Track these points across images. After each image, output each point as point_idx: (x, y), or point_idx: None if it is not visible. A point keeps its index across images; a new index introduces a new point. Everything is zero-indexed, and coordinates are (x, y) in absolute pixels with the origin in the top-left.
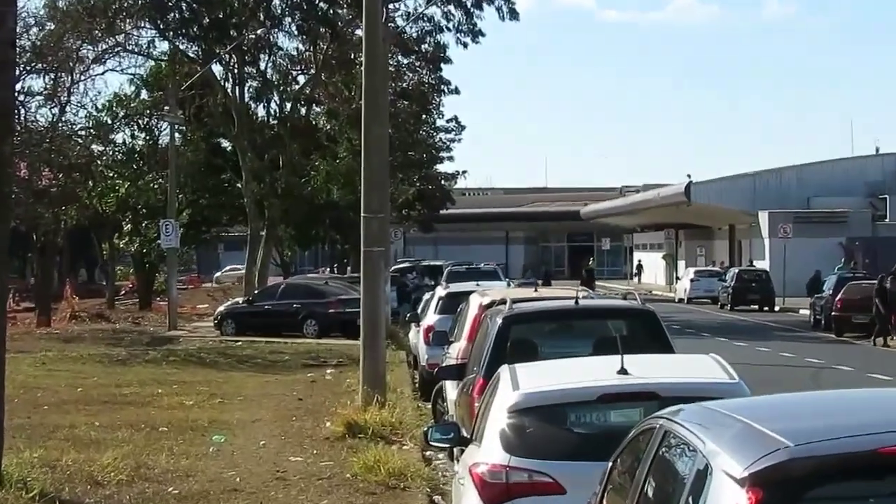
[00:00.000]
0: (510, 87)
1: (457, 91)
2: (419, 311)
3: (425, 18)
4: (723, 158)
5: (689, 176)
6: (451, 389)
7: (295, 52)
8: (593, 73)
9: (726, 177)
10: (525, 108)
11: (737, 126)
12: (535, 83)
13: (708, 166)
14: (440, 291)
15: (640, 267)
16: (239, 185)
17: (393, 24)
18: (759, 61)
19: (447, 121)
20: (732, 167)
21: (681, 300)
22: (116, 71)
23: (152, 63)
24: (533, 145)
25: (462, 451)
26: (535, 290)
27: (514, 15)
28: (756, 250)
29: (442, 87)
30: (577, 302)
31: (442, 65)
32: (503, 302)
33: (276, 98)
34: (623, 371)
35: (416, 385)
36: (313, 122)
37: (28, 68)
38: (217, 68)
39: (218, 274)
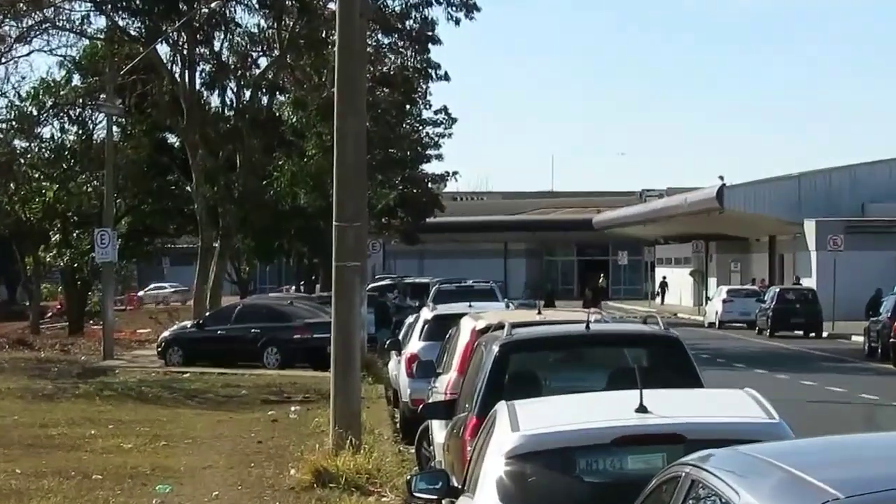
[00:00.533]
0: (510, 73)
1: (447, 77)
2: (401, 336)
3: None
4: (760, 158)
5: (721, 178)
6: (438, 430)
7: (256, 30)
8: (609, 58)
9: (766, 179)
10: (528, 98)
11: (776, 121)
12: (540, 69)
13: (743, 167)
14: (426, 314)
15: (663, 285)
16: (188, 187)
17: None
18: (802, 46)
19: (435, 112)
20: (771, 169)
21: (711, 324)
22: (44, 52)
23: (86, 42)
24: (537, 142)
25: None
26: (539, 313)
27: None
28: (801, 265)
29: (429, 71)
30: (588, 327)
31: (430, 45)
32: (500, 326)
33: (232, 85)
34: (642, 409)
35: (398, 425)
36: (277, 114)
37: None
38: (163, 49)
39: (141, 294)
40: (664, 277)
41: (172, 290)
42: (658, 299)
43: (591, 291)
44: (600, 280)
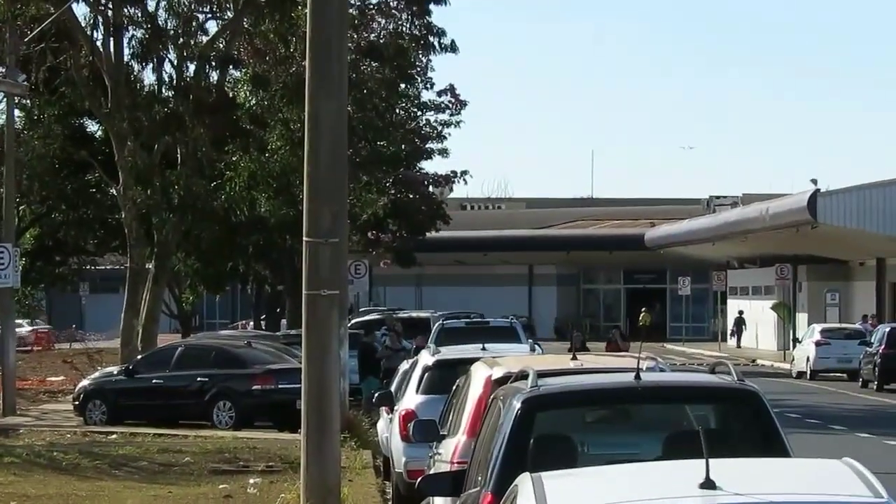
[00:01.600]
0: (538, 43)
1: (453, 47)
2: (393, 388)
3: None
4: (863, 159)
5: (814, 182)
6: None
7: None
8: (669, 28)
9: (872, 183)
10: (560, 76)
11: (884, 110)
12: (578, 38)
13: (841, 170)
14: (426, 359)
15: (740, 322)
16: (113, 190)
17: None
18: None
19: (439, 93)
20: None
21: (801, 374)
22: None
23: None
24: (572, 135)
25: None
26: (574, 358)
27: None
28: None
29: (431, 39)
30: (638, 376)
31: (431, 5)
32: (524, 376)
33: (172, 56)
34: (709, 484)
35: (390, 503)
36: (231, 95)
37: None
38: (81, 9)
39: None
40: (741, 312)
41: (31, 329)
42: (733, 340)
43: (618, 331)
44: (641, 316)
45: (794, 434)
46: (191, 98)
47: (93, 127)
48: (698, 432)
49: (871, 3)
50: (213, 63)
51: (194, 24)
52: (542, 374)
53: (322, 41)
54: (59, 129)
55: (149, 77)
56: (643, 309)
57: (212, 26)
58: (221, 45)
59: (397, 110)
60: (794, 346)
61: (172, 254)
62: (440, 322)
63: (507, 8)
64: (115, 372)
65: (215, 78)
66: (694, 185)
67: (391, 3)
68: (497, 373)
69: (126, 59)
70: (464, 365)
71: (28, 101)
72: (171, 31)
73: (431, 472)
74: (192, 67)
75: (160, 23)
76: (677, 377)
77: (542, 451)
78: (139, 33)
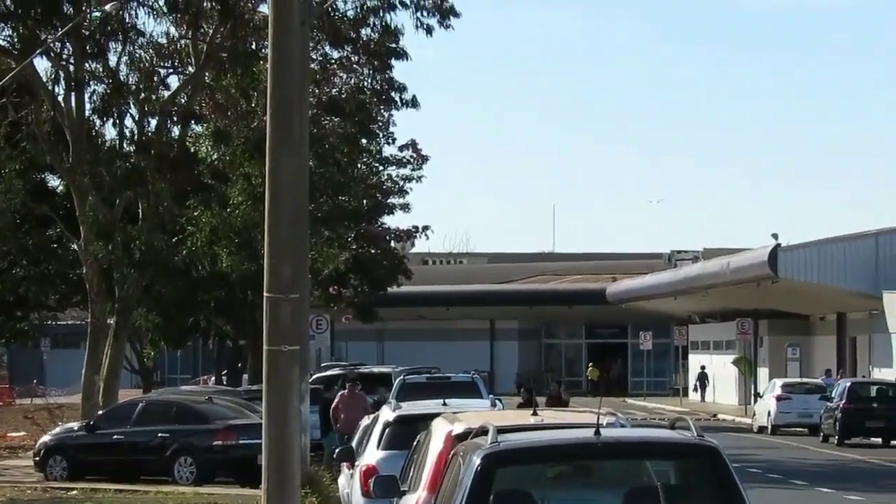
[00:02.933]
0: (499, 101)
1: (415, 103)
2: (354, 444)
3: None
4: (824, 213)
5: (775, 237)
6: None
7: (164, 40)
8: (628, 84)
9: (833, 238)
10: (522, 133)
11: (839, 168)
12: (540, 95)
13: (801, 225)
14: (387, 414)
15: (702, 377)
16: (75, 245)
17: None
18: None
19: (400, 148)
20: (838, 226)
21: (762, 429)
22: None
23: None
24: (533, 190)
25: None
26: (534, 414)
27: None
28: (879, 352)
29: (392, 95)
30: (598, 432)
31: (393, 61)
32: (484, 432)
33: (133, 111)
34: None
35: None
36: (192, 150)
37: None
38: (42, 64)
39: None
40: (703, 367)
41: None
42: (695, 395)
43: (557, 385)
44: (589, 371)
45: (755, 489)
46: (152, 153)
47: (54, 182)
48: (657, 488)
49: (832, 60)
50: (175, 118)
51: (156, 78)
52: (502, 430)
53: (283, 98)
54: (21, 183)
55: (110, 132)
56: (590, 364)
57: (173, 81)
58: (183, 100)
59: (359, 165)
60: (756, 401)
61: (134, 309)
62: (401, 377)
63: (466, 62)
64: (76, 427)
65: (177, 133)
66: (655, 239)
67: (352, 58)
68: (457, 428)
69: (87, 113)
70: (425, 420)
71: None
72: (133, 86)
73: None
74: (153, 122)
75: (121, 77)
76: (637, 433)
77: None
78: (100, 88)
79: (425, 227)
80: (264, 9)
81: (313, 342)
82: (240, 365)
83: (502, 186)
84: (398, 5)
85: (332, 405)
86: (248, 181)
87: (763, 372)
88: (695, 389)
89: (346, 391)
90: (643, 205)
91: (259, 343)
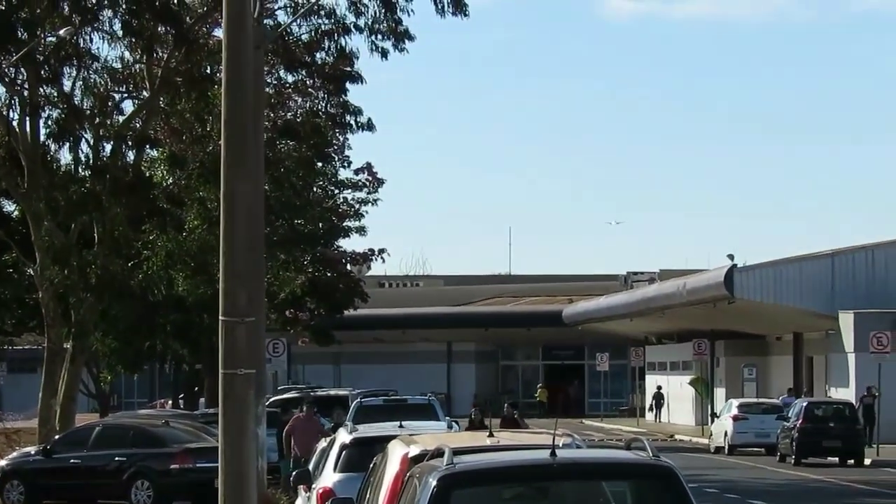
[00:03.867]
0: (455, 123)
1: (370, 126)
2: (311, 467)
3: (322, 11)
4: (779, 234)
5: (731, 257)
6: None
7: (119, 65)
8: (582, 101)
9: (789, 258)
10: (478, 155)
11: (794, 189)
12: (495, 118)
13: (757, 246)
14: (343, 437)
15: (658, 397)
16: (30, 270)
17: (271, 21)
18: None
19: (356, 171)
20: (794, 247)
21: (719, 449)
22: None
23: None
24: (489, 213)
25: None
26: (490, 435)
27: (460, 8)
28: (835, 372)
29: (347, 118)
30: (554, 453)
31: (348, 84)
32: (440, 454)
33: (88, 136)
34: None
35: None
36: (147, 174)
37: None
38: None
39: None
40: (659, 387)
41: None
42: (652, 415)
43: (511, 408)
44: (538, 392)
45: None
46: (107, 177)
47: (9, 207)
48: None
49: (787, 79)
50: (130, 142)
51: (110, 103)
52: (458, 452)
53: (237, 123)
54: None
55: (65, 157)
56: (539, 385)
57: (128, 106)
58: (138, 125)
59: (314, 188)
60: (712, 421)
61: (90, 333)
62: (358, 400)
63: (422, 85)
64: (33, 452)
65: (132, 157)
66: (611, 261)
67: (307, 82)
68: (413, 450)
69: (42, 138)
70: (381, 443)
71: None
72: (88, 111)
73: None
74: (108, 147)
75: (76, 102)
76: (593, 454)
77: None
78: (55, 113)
79: (381, 250)
80: (219, 33)
81: (270, 365)
82: (196, 388)
83: (458, 209)
84: (353, 29)
85: (286, 428)
86: (203, 205)
87: (720, 392)
88: (650, 409)
89: (302, 414)
90: (599, 227)
91: (215, 366)
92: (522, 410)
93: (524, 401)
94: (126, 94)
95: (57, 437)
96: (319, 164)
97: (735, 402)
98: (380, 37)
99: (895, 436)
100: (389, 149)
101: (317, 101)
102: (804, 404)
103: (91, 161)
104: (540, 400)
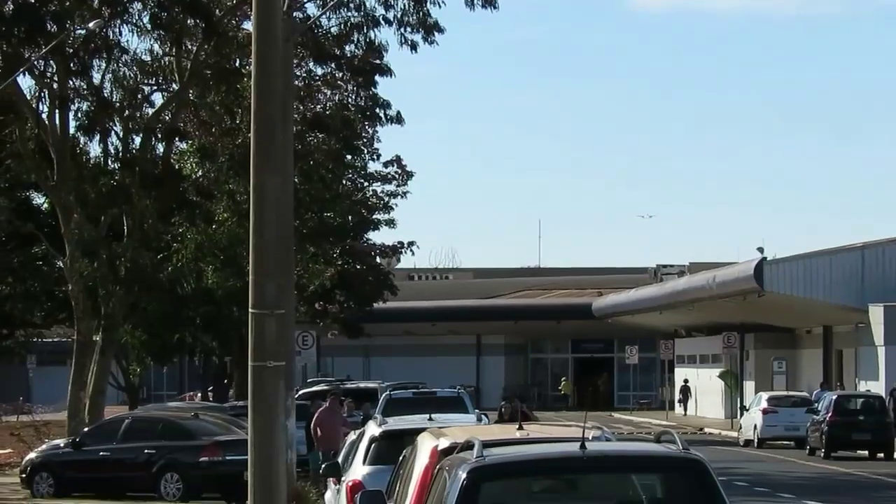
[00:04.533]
0: (484, 116)
1: (399, 119)
2: (340, 459)
3: (351, 4)
4: (810, 227)
5: (760, 250)
6: None
7: (148, 58)
8: (611, 94)
9: (819, 251)
10: (508, 147)
11: (825, 182)
12: (525, 110)
13: (788, 239)
14: (373, 430)
15: (685, 390)
16: (60, 263)
17: (300, 14)
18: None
19: (385, 164)
20: (824, 240)
21: (748, 442)
22: None
23: None
24: (519, 205)
25: None
26: (520, 428)
27: (489, 0)
28: (866, 365)
29: (377, 111)
30: (583, 446)
31: (377, 77)
32: (469, 446)
33: (118, 128)
34: None
35: None
36: (177, 167)
37: None
38: (26, 82)
39: None
40: (686, 381)
41: None
42: (680, 407)
43: (518, 400)
44: (562, 384)
45: (742, 502)
46: (137, 170)
47: (39, 199)
48: (643, 501)
49: (818, 71)
50: (159, 135)
51: (140, 96)
52: (487, 445)
53: (266, 116)
54: (5, 201)
55: (95, 149)
56: (563, 378)
57: (157, 98)
58: (167, 117)
59: (344, 181)
60: (742, 415)
61: (119, 326)
62: (387, 393)
63: (450, 78)
64: (62, 444)
65: (161, 150)
66: (641, 254)
67: (337, 75)
68: (443, 443)
69: (72, 131)
70: (410, 435)
71: None
72: (117, 104)
73: None
74: (137, 139)
75: (105, 95)
76: (623, 447)
77: None
78: (85, 106)
79: (411, 243)
80: (248, 26)
81: (299, 358)
82: (226, 381)
83: (488, 202)
84: (382, 21)
85: (314, 420)
86: (232, 198)
87: (749, 385)
88: (679, 402)
89: (326, 404)
90: (628, 219)
91: (245, 359)
92: (549, 403)
93: (551, 393)
94: (155, 87)
95: (86, 429)
96: (349, 157)
97: (764, 396)
98: (409, 29)
99: None
100: (419, 142)
101: (346, 93)
102: (834, 397)
103: (120, 154)
104: (564, 393)
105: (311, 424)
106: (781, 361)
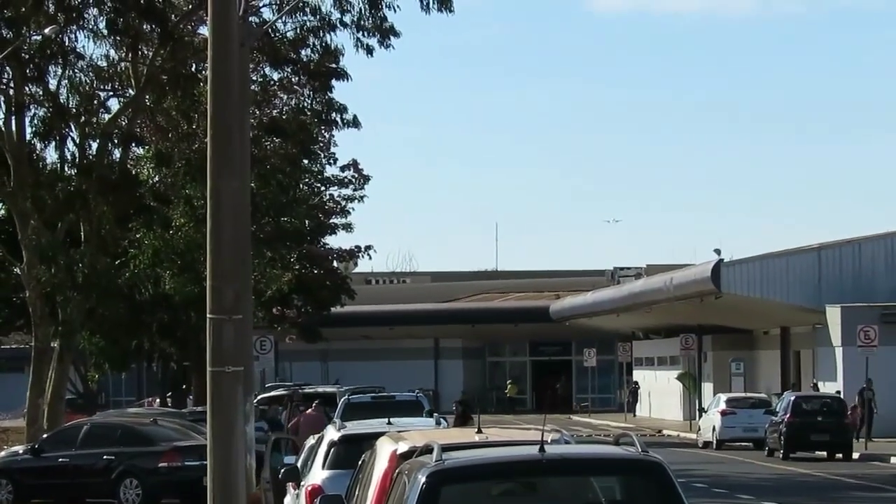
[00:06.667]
0: (441, 119)
1: (356, 122)
2: (299, 463)
3: (307, 8)
4: (766, 229)
5: (717, 252)
6: None
7: (104, 63)
8: (568, 96)
9: (776, 253)
10: (464, 152)
11: (781, 183)
12: (480, 114)
13: (744, 241)
14: (332, 434)
15: (634, 391)
16: (17, 269)
17: (256, 18)
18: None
19: (342, 168)
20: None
21: (707, 444)
22: None
23: None
24: (476, 209)
25: None
26: (479, 432)
27: (445, 4)
28: (823, 366)
29: (333, 115)
30: (542, 449)
31: (333, 81)
32: (428, 450)
33: (74, 134)
34: None
35: None
36: (134, 172)
37: None
38: None
39: None
40: (635, 382)
41: None
42: (631, 410)
43: (462, 405)
44: (508, 387)
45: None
46: (94, 176)
47: None
48: None
49: (773, 76)
50: (116, 140)
51: (96, 101)
52: (446, 448)
53: (223, 120)
54: None
55: (51, 155)
56: (508, 381)
57: (114, 104)
58: (124, 123)
59: (301, 186)
60: (700, 416)
61: (77, 332)
62: (346, 397)
63: (408, 82)
64: (21, 451)
65: (118, 155)
66: (598, 256)
67: (293, 79)
68: (402, 447)
69: (28, 137)
70: (369, 440)
71: None
72: (73, 110)
73: None
74: (94, 145)
75: (62, 101)
76: (581, 449)
77: None
78: (41, 112)
79: (368, 247)
80: (204, 31)
81: (257, 363)
82: (184, 386)
83: (444, 205)
84: (338, 25)
85: (292, 423)
86: (189, 203)
87: (707, 387)
88: (627, 403)
89: (311, 410)
90: (585, 222)
91: (203, 364)
92: (508, 407)
93: (511, 395)
94: (112, 93)
95: (45, 436)
96: (305, 162)
97: (723, 397)
98: (365, 33)
99: (883, 429)
100: (376, 146)
101: (302, 98)
102: (792, 398)
103: (77, 159)
104: (510, 395)
105: (296, 429)
106: (739, 363)
